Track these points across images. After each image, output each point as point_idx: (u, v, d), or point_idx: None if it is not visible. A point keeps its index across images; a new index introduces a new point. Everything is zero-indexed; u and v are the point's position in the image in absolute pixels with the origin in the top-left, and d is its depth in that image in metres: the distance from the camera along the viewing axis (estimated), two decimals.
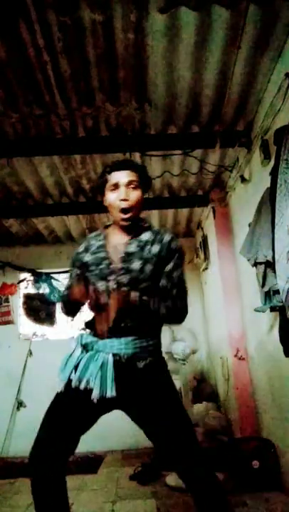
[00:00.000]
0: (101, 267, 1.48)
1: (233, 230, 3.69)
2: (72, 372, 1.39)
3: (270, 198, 2.29)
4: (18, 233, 4.69)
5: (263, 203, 2.54)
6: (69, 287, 1.55)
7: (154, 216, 4.44)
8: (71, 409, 1.41)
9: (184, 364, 3.52)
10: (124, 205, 1.47)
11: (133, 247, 1.49)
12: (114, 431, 3.81)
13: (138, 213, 1.53)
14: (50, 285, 4.90)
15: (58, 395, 1.44)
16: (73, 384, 1.36)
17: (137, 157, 3.18)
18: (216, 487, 1.36)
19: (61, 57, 2.25)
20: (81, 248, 1.59)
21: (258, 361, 3.14)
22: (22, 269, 4.95)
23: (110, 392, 1.32)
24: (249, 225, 2.82)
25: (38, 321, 4.79)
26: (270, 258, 2.30)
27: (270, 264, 2.35)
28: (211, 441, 3.31)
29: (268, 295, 2.48)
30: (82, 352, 1.42)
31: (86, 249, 1.56)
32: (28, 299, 4.85)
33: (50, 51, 2.21)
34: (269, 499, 2.49)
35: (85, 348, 1.44)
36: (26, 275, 4.96)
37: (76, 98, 2.57)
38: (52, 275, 4.92)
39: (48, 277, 4.91)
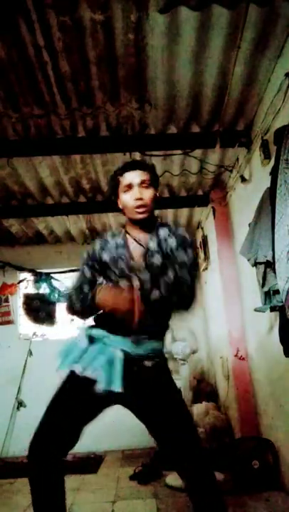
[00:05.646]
0: (122, 264, 1.48)
1: (233, 230, 3.69)
2: (76, 360, 1.41)
3: (270, 198, 2.29)
4: (18, 233, 4.69)
5: (263, 202, 2.54)
6: (86, 290, 1.54)
7: None
8: (76, 398, 1.42)
9: (184, 364, 3.52)
10: (139, 203, 1.49)
11: (153, 244, 1.51)
12: (114, 431, 3.82)
13: (152, 211, 1.56)
14: (50, 285, 4.89)
15: (62, 384, 1.45)
16: (78, 371, 1.37)
17: (137, 157, 3.18)
18: (214, 487, 1.37)
19: (61, 57, 2.25)
20: (97, 246, 1.57)
21: (258, 361, 3.13)
22: (22, 269, 4.94)
23: (117, 387, 1.33)
24: (249, 225, 2.82)
25: (38, 321, 4.78)
26: (270, 258, 2.30)
27: (270, 264, 2.35)
28: (211, 441, 3.31)
29: (268, 295, 2.48)
30: (88, 343, 1.44)
31: (102, 248, 1.55)
32: (28, 299, 4.84)
33: (50, 51, 2.21)
34: (269, 499, 2.49)
35: (93, 340, 1.46)
36: (26, 275, 4.96)
37: (76, 98, 2.57)
38: (52, 275, 4.92)
39: (48, 277, 4.91)
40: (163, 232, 1.55)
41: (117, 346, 1.42)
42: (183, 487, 2.77)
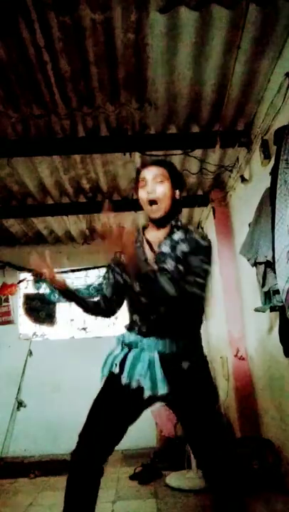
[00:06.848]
0: None
1: (233, 230, 3.69)
2: (112, 367, 1.47)
3: (270, 198, 2.29)
4: (18, 233, 4.69)
5: (263, 203, 2.54)
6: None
7: None
8: (117, 403, 1.46)
9: None
10: (150, 196, 1.51)
11: (166, 247, 1.52)
12: None
13: (168, 207, 1.53)
14: (50, 285, 4.88)
15: (101, 391, 1.50)
16: (123, 382, 1.41)
17: (136, 157, 3.18)
18: (236, 491, 1.38)
19: (61, 57, 2.25)
20: None
21: (258, 361, 3.13)
22: (22, 269, 4.94)
23: (163, 390, 1.37)
24: (249, 225, 2.82)
25: (38, 321, 4.79)
26: (270, 258, 2.30)
27: (270, 264, 2.35)
28: None
29: (268, 295, 2.48)
30: (124, 350, 1.49)
31: None
32: (28, 299, 4.85)
33: (50, 51, 2.20)
34: (269, 499, 2.49)
35: (129, 346, 1.49)
36: (26, 275, 4.96)
37: (76, 98, 2.57)
38: None
39: None
40: (177, 236, 1.53)
41: (152, 349, 1.44)
42: (183, 487, 2.79)
